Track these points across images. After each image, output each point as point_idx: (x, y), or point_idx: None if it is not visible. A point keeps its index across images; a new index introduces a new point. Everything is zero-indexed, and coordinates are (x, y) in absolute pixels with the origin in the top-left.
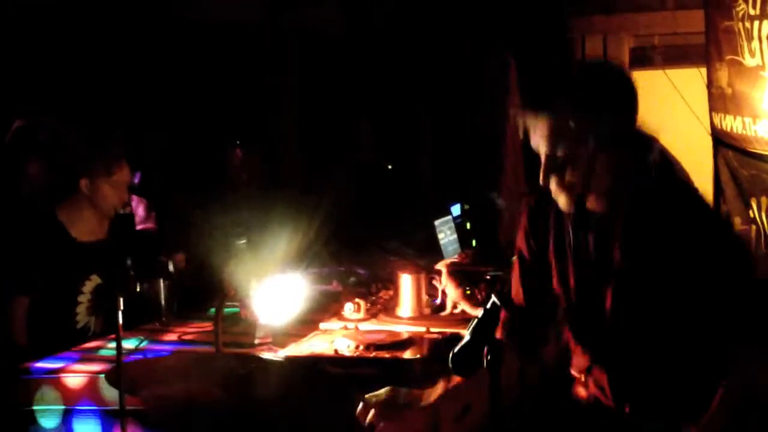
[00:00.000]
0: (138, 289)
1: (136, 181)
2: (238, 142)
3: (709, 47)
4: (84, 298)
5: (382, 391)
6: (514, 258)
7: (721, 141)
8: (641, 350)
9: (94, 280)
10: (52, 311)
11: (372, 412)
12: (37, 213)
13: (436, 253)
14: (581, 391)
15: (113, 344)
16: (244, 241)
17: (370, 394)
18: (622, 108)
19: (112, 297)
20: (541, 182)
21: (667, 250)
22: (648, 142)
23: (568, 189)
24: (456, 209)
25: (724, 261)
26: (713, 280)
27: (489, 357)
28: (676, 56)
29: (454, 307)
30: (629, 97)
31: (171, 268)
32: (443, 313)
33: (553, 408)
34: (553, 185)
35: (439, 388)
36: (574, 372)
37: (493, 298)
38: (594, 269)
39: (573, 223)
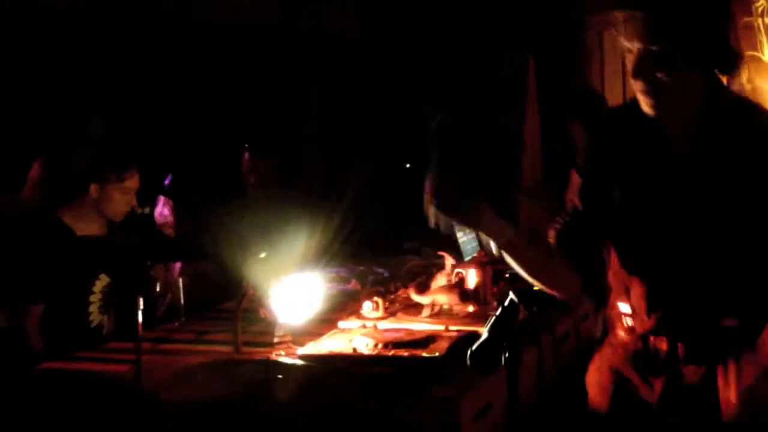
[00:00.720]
0: (158, 290)
1: (166, 182)
2: (246, 146)
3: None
4: (95, 298)
5: None
6: (573, 175)
7: None
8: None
9: (102, 280)
10: (67, 313)
11: None
12: (43, 217)
13: (455, 252)
14: (622, 335)
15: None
16: (263, 255)
17: None
18: (718, 12)
19: (132, 298)
20: (631, 77)
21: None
22: (735, 57)
23: (657, 89)
24: None
25: None
26: None
27: (507, 355)
28: None
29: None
30: (725, 4)
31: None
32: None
33: (571, 407)
34: (639, 85)
35: None
36: (614, 315)
37: (511, 296)
38: (667, 190)
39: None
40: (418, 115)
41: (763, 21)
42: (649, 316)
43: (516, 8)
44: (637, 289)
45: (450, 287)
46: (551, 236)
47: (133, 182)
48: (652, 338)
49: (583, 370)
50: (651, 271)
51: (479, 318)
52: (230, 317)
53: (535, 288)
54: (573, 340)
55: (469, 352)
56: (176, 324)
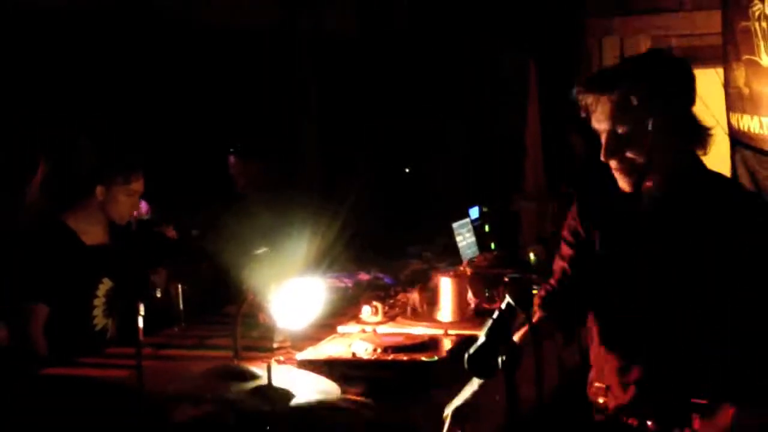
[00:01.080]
0: (158, 295)
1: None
2: (231, 150)
3: (726, 47)
4: (99, 302)
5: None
6: (561, 244)
7: (739, 141)
8: (688, 344)
9: (106, 283)
10: (71, 316)
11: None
12: (48, 220)
13: (455, 256)
14: (597, 417)
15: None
16: (263, 251)
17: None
18: (681, 91)
19: (132, 303)
20: (602, 158)
21: (726, 234)
22: (702, 133)
23: (629, 168)
24: (474, 212)
25: None
26: None
27: (504, 358)
28: (693, 57)
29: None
30: (688, 83)
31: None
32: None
33: (571, 413)
34: (613, 164)
35: None
36: (596, 383)
37: (508, 299)
38: (646, 254)
39: (627, 205)
40: (418, 117)
41: (760, 25)
42: (623, 392)
43: (517, 12)
44: (612, 366)
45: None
46: (536, 302)
47: (138, 185)
48: (624, 417)
49: (585, 375)
50: (626, 346)
51: (480, 322)
52: (230, 322)
53: (534, 292)
54: (576, 346)
55: (466, 356)
56: (176, 329)
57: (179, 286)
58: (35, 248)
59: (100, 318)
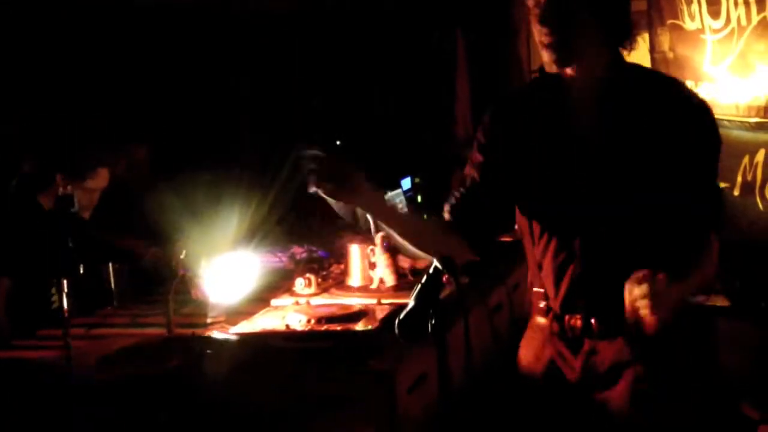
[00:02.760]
0: (81, 272)
1: None
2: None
3: (651, 12)
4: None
5: None
6: (473, 149)
7: None
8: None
9: None
10: (31, 292)
11: None
12: (18, 197)
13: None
14: (540, 321)
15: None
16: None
17: None
18: None
19: (57, 281)
20: (538, 25)
21: (652, 131)
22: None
23: (555, 43)
24: (406, 183)
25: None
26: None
27: (433, 322)
28: None
29: (381, 281)
30: None
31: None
32: (371, 287)
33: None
34: (543, 36)
35: None
36: (535, 287)
37: (435, 263)
38: (566, 150)
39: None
40: (348, 90)
41: None
42: (559, 293)
43: None
44: (547, 267)
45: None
46: (445, 209)
47: (96, 182)
48: (567, 317)
49: (518, 340)
50: (558, 244)
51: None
52: (163, 300)
53: None
54: (507, 311)
55: (396, 321)
56: (109, 309)
57: (111, 265)
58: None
59: (57, 297)
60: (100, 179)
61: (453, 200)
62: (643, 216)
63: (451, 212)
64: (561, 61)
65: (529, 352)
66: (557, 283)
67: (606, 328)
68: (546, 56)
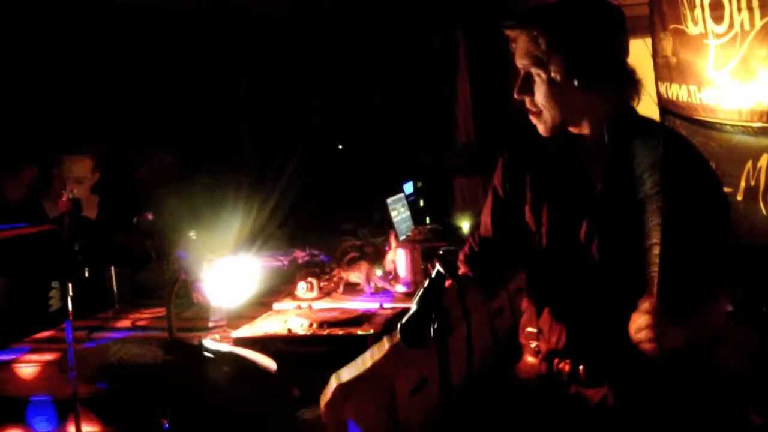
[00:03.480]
0: (86, 275)
1: None
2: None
3: (653, 17)
4: (56, 283)
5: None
6: (488, 197)
7: (668, 110)
8: (612, 293)
9: None
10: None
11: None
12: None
13: (390, 230)
14: (530, 360)
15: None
16: (193, 235)
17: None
18: (604, 37)
19: (61, 284)
20: (515, 96)
21: (651, 181)
22: (634, 84)
23: (538, 113)
24: (409, 187)
25: (712, 203)
26: (700, 221)
27: (436, 326)
28: None
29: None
30: (608, 29)
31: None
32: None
33: (503, 381)
34: (527, 104)
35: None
36: (528, 327)
37: (438, 267)
38: (572, 201)
39: (559, 154)
40: (350, 94)
41: None
42: (554, 336)
43: None
44: (544, 311)
45: (360, 265)
46: (460, 258)
47: (28, 176)
48: (556, 361)
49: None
50: (556, 292)
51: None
52: (164, 303)
53: None
54: (508, 315)
55: (399, 326)
56: (110, 312)
57: (112, 268)
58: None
59: (56, 300)
60: (31, 173)
61: (467, 248)
62: (638, 272)
63: (466, 260)
64: (549, 130)
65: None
66: (551, 328)
67: (593, 376)
68: (537, 124)
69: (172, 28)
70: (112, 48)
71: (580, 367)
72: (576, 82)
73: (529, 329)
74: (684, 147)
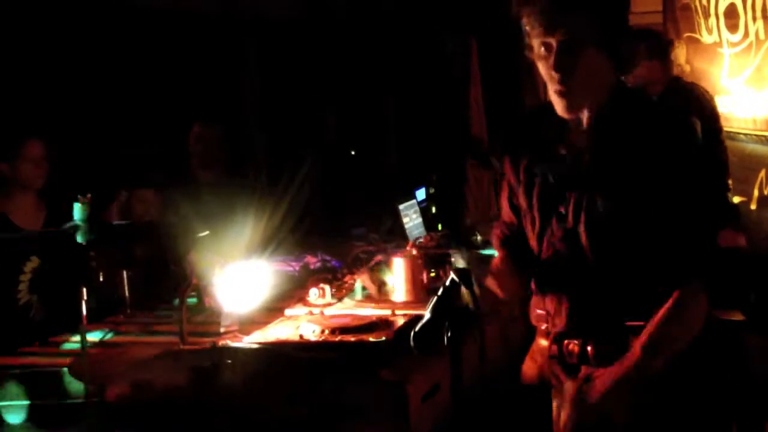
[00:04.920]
0: (101, 279)
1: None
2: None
3: (667, 25)
4: (25, 277)
5: None
6: (503, 182)
7: None
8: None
9: (34, 261)
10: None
11: None
12: None
13: (402, 237)
14: (542, 342)
15: (77, 338)
16: (205, 233)
17: None
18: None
19: (75, 288)
20: (553, 72)
21: (637, 157)
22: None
23: (569, 89)
24: (421, 193)
25: (697, 179)
26: (683, 194)
27: (449, 334)
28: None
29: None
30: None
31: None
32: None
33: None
34: (558, 82)
35: None
36: (537, 309)
37: (452, 275)
38: (560, 176)
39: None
40: (361, 100)
41: (700, 2)
42: (560, 317)
43: None
44: (548, 292)
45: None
46: (494, 243)
47: (33, 150)
48: (566, 342)
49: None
50: (554, 272)
51: (425, 302)
52: (176, 308)
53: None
54: (521, 321)
55: (412, 333)
56: (122, 316)
57: (124, 272)
58: None
59: (24, 293)
60: (35, 147)
61: (499, 232)
62: (631, 249)
63: (500, 246)
64: (573, 108)
65: (530, 370)
66: (557, 308)
67: (602, 356)
68: (559, 105)
69: (183, 30)
70: (124, 51)
71: (588, 348)
72: (603, 50)
73: (538, 311)
74: (672, 117)
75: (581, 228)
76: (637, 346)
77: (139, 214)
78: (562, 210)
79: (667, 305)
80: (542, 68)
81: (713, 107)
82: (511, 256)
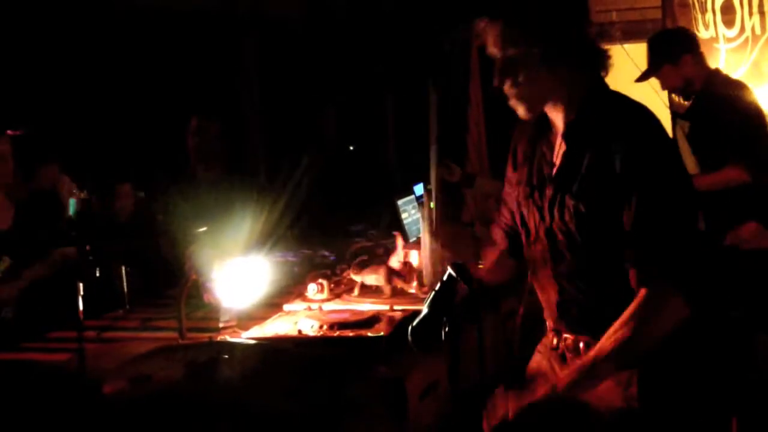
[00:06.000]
0: (97, 275)
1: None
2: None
3: (665, 21)
4: None
5: None
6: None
7: (679, 114)
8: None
9: (5, 261)
10: None
11: None
12: None
13: (402, 232)
14: (550, 335)
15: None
16: (203, 229)
17: None
18: (569, 17)
19: (72, 283)
20: (495, 84)
21: (603, 159)
22: (602, 58)
23: (518, 96)
24: (419, 189)
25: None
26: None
27: (447, 329)
28: (634, 31)
29: (376, 288)
30: (577, 7)
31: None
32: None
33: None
34: (506, 90)
35: None
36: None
37: (450, 271)
38: (538, 179)
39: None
40: (361, 97)
41: None
42: (551, 312)
43: None
44: (539, 288)
45: (377, 267)
46: (500, 238)
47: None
48: (564, 335)
49: (531, 347)
50: (541, 269)
51: (423, 297)
52: (174, 303)
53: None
54: (520, 318)
55: (410, 329)
56: (120, 312)
57: (123, 268)
58: None
59: None
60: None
61: (503, 226)
62: (602, 250)
63: (506, 239)
64: (531, 113)
65: (536, 360)
66: (548, 304)
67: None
68: (518, 108)
69: (183, 29)
70: (123, 49)
71: (581, 344)
72: (547, 63)
73: (543, 305)
74: (637, 117)
75: (555, 226)
76: (599, 343)
77: (118, 207)
78: (542, 208)
79: (631, 305)
80: (498, 75)
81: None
82: (508, 247)
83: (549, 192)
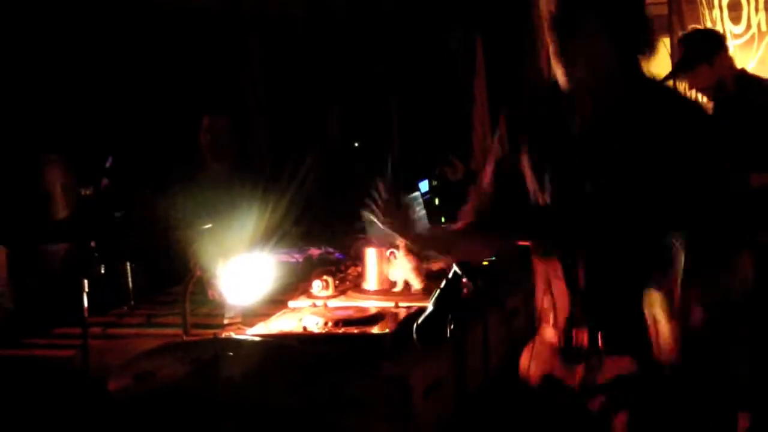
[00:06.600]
0: (102, 272)
1: (108, 164)
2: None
3: (672, 17)
4: None
5: None
6: (490, 154)
7: None
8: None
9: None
10: None
11: None
12: None
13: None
14: (549, 333)
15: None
16: (208, 226)
17: None
18: None
19: (77, 280)
20: (549, 40)
21: (634, 142)
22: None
23: (569, 55)
24: (424, 185)
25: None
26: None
27: (452, 326)
28: None
29: (406, 284)
30: None
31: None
32: (395, 290)
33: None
34: (554, 49)
35: None
36: (541, 311)
37: (455, 268)
38: (571, 162)
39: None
40: (367, 94)
41: None
42: (568, 304)
43: None
44: (558, 282)
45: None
46: (462, 210)
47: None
48: (574, 331)
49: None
50: (564, 259)
51: (429, 295)
52: (179, 300)
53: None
54: (524, 315)
55: (415, 326)
56: (125, 308)
57: (128, 264)
58: None
59: None
60: None
61: (475, 200)
62: (644, 234)
63: (475, 212)
64: (572, 78)
65: (530, 362)
66: (565, 298)
67: (612, 344)
68: (559, 72)
69: (188, 27)
70: (128, 47)
71: (599, 335)
72: (605, 21)
73: (546, 301)
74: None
75: (598, 214)
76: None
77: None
78: (576, 193)
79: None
80: (546, 31)
81: None
82: (476, 225)
83: (568, 174)
